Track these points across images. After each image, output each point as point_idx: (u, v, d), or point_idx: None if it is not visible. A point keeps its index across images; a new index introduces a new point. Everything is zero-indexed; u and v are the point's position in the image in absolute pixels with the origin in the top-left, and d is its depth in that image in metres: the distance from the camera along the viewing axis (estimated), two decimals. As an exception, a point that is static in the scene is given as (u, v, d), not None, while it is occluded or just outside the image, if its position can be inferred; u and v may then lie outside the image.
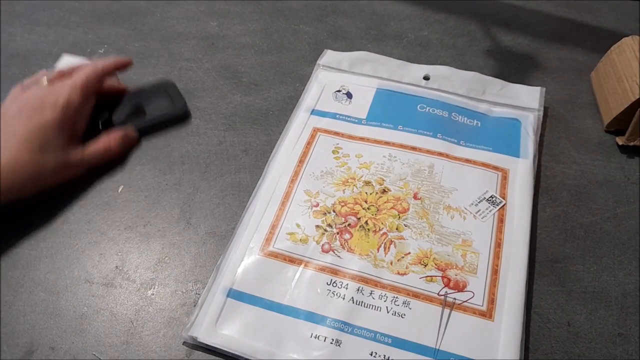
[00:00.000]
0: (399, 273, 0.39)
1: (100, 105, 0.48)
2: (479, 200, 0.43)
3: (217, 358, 0.36)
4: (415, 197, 0.43)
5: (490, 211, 0.42)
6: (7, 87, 0.54)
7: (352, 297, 0.37)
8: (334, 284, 0.38)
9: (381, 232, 0.41)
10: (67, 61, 0.54)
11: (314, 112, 0.50)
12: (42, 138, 0.41)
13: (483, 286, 0.38)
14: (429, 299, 0.37)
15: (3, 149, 0.39)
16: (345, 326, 0.36)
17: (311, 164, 0.46)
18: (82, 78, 0.45)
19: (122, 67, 0.49)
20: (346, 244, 0.40)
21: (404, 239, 0.41)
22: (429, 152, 0.46)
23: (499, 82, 0.52)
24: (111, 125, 0.48)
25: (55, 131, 0.42)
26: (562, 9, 0.63)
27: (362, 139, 0.48)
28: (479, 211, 0.42)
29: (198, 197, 0.45)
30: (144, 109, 0.50)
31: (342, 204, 0.43)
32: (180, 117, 0.50)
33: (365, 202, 0.43)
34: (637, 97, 0.45)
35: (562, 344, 0.37)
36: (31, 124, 0.41)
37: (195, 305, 0.38)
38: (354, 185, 0.44)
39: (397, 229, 0.41)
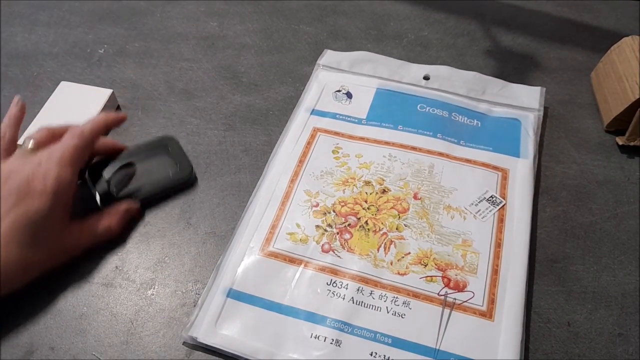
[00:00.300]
0: (399, 273, 0.39)
1: (94, 167, 0.44)
2: (479, 200, 0.43)
3: (217, 358, 0.36)
4: (415, 197, 0.43)
5: (490, 211, 0.42)
6: (7, 87, 0.54)
7: (352, 297, 0.37)
8: (334, 284, 0.38)
9: (381, 232, 0.41)
10: (65, 87, 0.51)
11: (314, 112, 0.50)
12: (31, 230, 0.35)
13: (483, 286, 0.38)
14: (429, 299, 0.37)
15: None
16: (345, 326, 0.36)
17: (311, 164, 0.46)
18: (70, 148, 0.38)
19: (115, 124, 0.44)
20: (346, 244, 0.40)
21: (404, 239, 0.41)
22: (429, 152, 0.46)
23: (499, 82, 0.52)
24: (110, 196, 0.42)
25: (46, 220, 0.36)
26: (562, 9, 0.63)
27: (362, 139, 0.48)
28: (479, 211, 0.42)
29: (198, 197, 0.45)
30: (145, 175, 0.44)
31: (342, 203, 0.43)
32: (186, 183, 0.45)
33: (365, 202, 0.43)
34: (637, 97, 0.45)
35: (562, 344, 0.37)
36: (18, 214, 0.34)
37: (195, 306, 0.38)
38: (354, 185, 0.44)
39: (397, 229, 0.41)
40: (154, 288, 0.39)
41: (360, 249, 0.40)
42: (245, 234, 0.41)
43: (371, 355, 0.35)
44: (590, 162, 0.48)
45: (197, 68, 0.56)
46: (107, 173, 0.43)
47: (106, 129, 0.42)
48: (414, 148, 0.47)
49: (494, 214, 0.42)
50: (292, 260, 0.39)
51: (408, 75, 0.53)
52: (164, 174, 0.43)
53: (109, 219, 0.40)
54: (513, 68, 0.56)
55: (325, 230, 0.41)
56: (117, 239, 0.41)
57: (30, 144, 0.38)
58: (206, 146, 0.49)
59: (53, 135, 0.39)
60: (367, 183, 0.44)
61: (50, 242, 0.36)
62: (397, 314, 0.37)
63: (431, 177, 0.44)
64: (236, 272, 0.39)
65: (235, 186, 0.46)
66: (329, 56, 0.55)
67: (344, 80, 0.53)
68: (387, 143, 0.47)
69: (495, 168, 0.45)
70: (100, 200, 0.42)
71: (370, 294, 0.38)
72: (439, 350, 0.35)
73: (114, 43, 0.59)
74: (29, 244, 0.35)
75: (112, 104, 0.51)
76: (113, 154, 0.45)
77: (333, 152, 0.47)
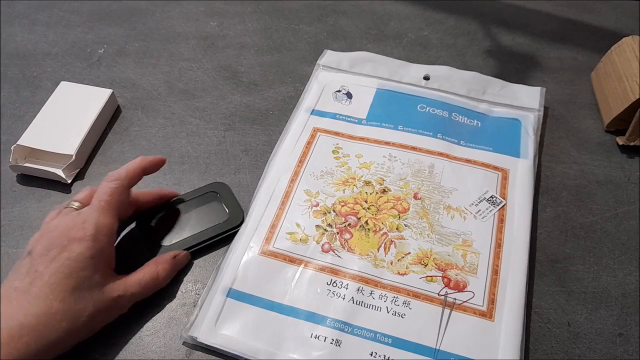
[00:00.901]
0: (399, 273, 0.39)
1: (144, 217, 0.42)
2: (479, 201, 0.43)
3: (217, 358, 0.36)
4: (415, 197, 0.43)
5: (490, 211, 0.42)
6: (6, 87, 0.54)
7: (352, 297, 0.37)
8: (334, 284, 0.38)
9: (381, 232, 0.41)
10: (65, 87, 0.51)
11: (314, 112, 0.50)
12: (73, 277, 0.33)
13: (483, 286, 0.38)
14: (429, 299, 0.37)
15: (30, 301, 0.32)
16: (345, 326, 0.36)
17: (311, 164, 0.45)
18: (106, 193, 0.37)
19: (153, 168, 0.41)
20: (346, 243, 0.40)
21: (404, 239, 0.41)
22: (429, 152, 0.46)
23: (499, 82, 0.52)
24: (159, 246, 0.41)
25: (88, 267, 0.34)
26: (562, 9, 0.63)
27: (362, 139, 0.48)
28: (479, 211, 0.42)
29: (198, 197, 0.45)
30: (196, 223, 0.42)
31: (342, 203, 0.43)
32: (237, 229, 0.42)
33: (366, 202, 0.43)
34: (637, 97, 0.45)
35: (562, 344, 0.37)
36: (59, 263, 0.33)
37: (195, 306, 0.38)
38: (354, 185, 0.44)
39: (397, 229, 0.41)
40: (153, 288, 0.39)
41: (361, 249, 0.40)
42: (245, 234, 0.41)
43: (371, 355, 0.35)
44: (590, 162, 0.48)
45: (197, 68, 0.56)
46: (157, 222, 0.42)
47: (142, 170, 0.40)
48: (414, 148, 0.46)
49: (494, 214, 0.42)
50: (292, 260, 0.39)
51: (408, 75, 0.53)
52: (215, 222, 0.42)
53: (156, 268, 0.38)
54: (513, 68, 0.56)
55: (325, 230, 0.41)
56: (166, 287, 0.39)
57: (75, 205, 0.38)
58: (206, 146, 0.49)
59: (93, 191, 0.39)
60: (367, 183, 0.44)
61: (95, 292, 0.34)
62: (397, 314, 0.37)
63: (431, 177, 0.44)
64: (236, 272, 0.39)
65: (235, 186, 0.46)
66: (329, 56, 0.55)
67: (344, 81, 0.53)
68: (387, 143, 0.47)
69: (496, 168, 0.45)
70: (149, 250, 0.40)
71: (371, 294, 0.38)
72: (439, 350, 0.35)
73: (114, 43, 0.59)
74: (72, 294, 0.33)
75: (112, 104, 0.51)
76: (164, 202, 0.43)
77: (333, 152, 0.47)
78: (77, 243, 0.34)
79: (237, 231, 0.42)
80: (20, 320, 0.31)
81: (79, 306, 0.33)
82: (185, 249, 0.40)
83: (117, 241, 0.40)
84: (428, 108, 0.50)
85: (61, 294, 0.32)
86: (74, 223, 0.35)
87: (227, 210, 0.43)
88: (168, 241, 0.41)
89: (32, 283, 0.33)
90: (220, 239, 0.42)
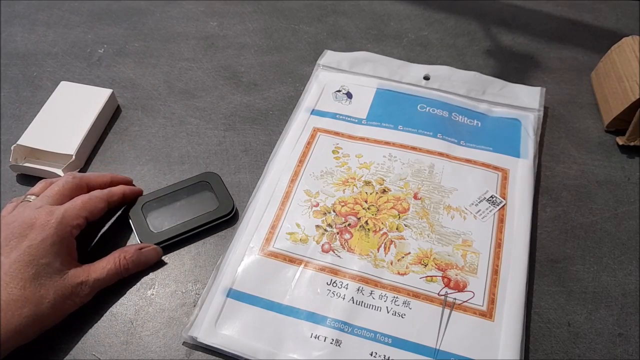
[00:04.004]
0: (399, 273, 0.39)
1: (131, 207, 0.43)
2: (479, 200, 0.43)
3: (217, 358, 0.36)
4: (415, 197, 0.43)
5: (490, 211, 0.42)
6: (7, 87, 0.54)
7: (352, 297, 0.37)
8: (334, 284, 0.38)
9: (381, 232, 0.41)
10: (65, 87, 0.50)
11: (314, 112, 0.50)
12: (33, 266, 0.33)
13: (483, 286, 0.38)
14: (429, 299, 0.37)
15: None
16: (345, 326, 0.36)
17: (311, 164, 0.45)
18: (60, 185, 0.38)
19: (129, 198, 0.42)
20: (346, 243, 0.40)
21: (404, 239, 0.41)
22: (429, 152, 0.46)
23: (499, 82, 0.52)
24: (150, 235, 0.41)
25: (49, 254, 0.34)
26: (562, 9, 0.63)
27: (362, 139, 0.48)
28: (479, 211, 0.42)
29: (198, 197, 0.45)
30: (186, 212, 0.42)
31: (342, 203, 0.43)
32: (227, 219, 0.43)
33: (366, 202, 0.43)
34: (638, 97, 0.45)
35: (562, 344, 0.37)
36: (19, 252, 0.34)
37: (195, 306, 0.38)
38: (354, 185, 0.44)
39: (397, 228, 0.41)
40: (154, 288, 0.39)
41: (360, 249, 0.40)
42: (245, 234, 0.41)
43: (371, 355, 0.35)
44: (590, 162, 0.48)
45: (197, 68, 0.56)
46: (147, 211, 0.42)
47: (111, 182, 0.42)
48: (414, 148, 0.46)
49: (494, 214, 0.42)
50: (292, 260, 0.39)
51: (408, 75, 0.53)
52: (205, 211, 0.42)
53: (120, 255, 0.38)
54: (513, 68, 0.56)
55: (325, 230, 0.41)
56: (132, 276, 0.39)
57: (32, 198, 0.38)
58: (206, 146, 0.49)
59: (51, 184, 0.40)
60: (367, 183, 0.44)
61: (55, 278, 0.34)
62: (397, 314, 0.37)
63: (431, 177, 0.44)
64: (236, 272, 0.39)
65: (235, 186, 0.46)
66: (329, 56, 0.55)
67: (344, 81, 0.53)
68: (387, 143, 0.47)
69: (496, 168, 0.45)
70: (141, 240, 0.41)
71: (371, 293, 0.38)
72: (439, 350, 0.35)
73: (114, 43, 0.59)
74: (32, 280, 0.33)
75: (112, 104, 0.51)
76: (138, 196, 0.44)
77: (333, 152, 0.47)
78: (38, 230, 0.35)
79: (227, 219, 0.42)
80: None
81: (40, 293, 0.33)
82: (173, 237, 0.41)
83: (104, 229, 0.42)
84: (428, 108, 0.50)
85: (21, 282, 0.33)
86: (35, 213, 0.36)
87: (217, 199, 0.43)
88: (157, 228, 0.41)
89: None
90: (211, 227, 0.42)
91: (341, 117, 0.50)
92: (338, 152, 0.47)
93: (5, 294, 0.32)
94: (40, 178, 0.46)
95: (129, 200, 0.43)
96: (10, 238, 0.34)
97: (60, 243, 0.35)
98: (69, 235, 0.36)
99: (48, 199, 0.38)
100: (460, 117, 0.49)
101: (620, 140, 0.48)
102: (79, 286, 0.35)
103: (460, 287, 0.38)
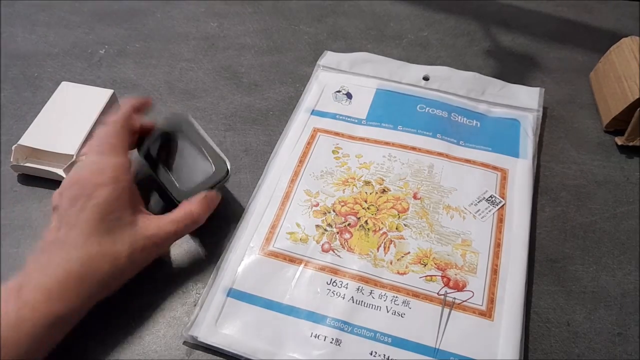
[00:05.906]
0: (398, 272, 0.39)
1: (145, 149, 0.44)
2: (478, 200, 0.43)
3: (218, 358, 0.36)
4: (415, 197, 0.43)
5: (489, 211, 0.42)
6: (7, 87, 0.54)
7: (352, 297, 0.38)
8: (334, 284, 0.38)
9: (381, 232, 0.41)
10: (66, 88, 0.50)
11: (314, 112, 0.50)
12: (105, 222, 0.35)
13: (483, 286, 0.38)
14: (428, 298, 0.38)
15: (69, 250, 0.34)
16: (345, 326, 0.36)
17: (311, 164, 0.46)
18: (104, 137, 0.39)
19: (143, 107, 0.44)
20: (346, 243, 0.40)
21: (404, 239, 0.41)
22: (428, 152, 0.46)
23: (498, 83, 0.52)
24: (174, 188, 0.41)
25: (117, 208, 0.36)
26: (562, 9, 0.63)
27: (362, 139, 0.48)
28: (478, 211, 0.42)
29: (198, 197, 0.45)
30: (186, 169, 0.42)
31: (342, 203, 0.43)
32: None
33: (365, 201, 0.43)
34: (637, 97, 0.46)
35: (562, 343, 0.37)
36: (88, 211, 0.35)
37: (195, 305, 0.38)
38: (354, 185, 0.44)
39: (396, 228, 0.41)
40: (154, 287, 0.40)
41: (360, 249, 0.40)
42: (245, 234, 0.41)
43: (371, 354, 0.35)
44: (589, 162, 0.48)
45: (197, 68, 0.56)
46: (163, 160, 0.43)
47: (134, 109, 0.42)
48: (413, 148, 0.47)
49: (493, 213, 0.42)
50: (292, 260, 0.40)
51: (408, 76, 0.53)
52: (202, 174, 0.41)
53: (190, 206, 0.39)
54: (513, 68, 0.56)
55: (325, 230, 0.41)
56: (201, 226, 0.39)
57: (84, 158, 0.39)
58: (206, 146, 0.49)
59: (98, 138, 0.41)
60: (367, 183, 0.44)
61: (129, 230, 0.36)
62: (397, 314, 0.37)
63: (431, 177, 0.45)
64: (236, 271, 0.39)
65: (235, 186, 0.46)
66: (329, 57, 0.56)
67: (344, 81, 0.53)
68: (387, 143, 0.47)
69: (495, 168, 0.45)
70: (178, 200, 0.40)
71: (370, 293, 0.38)
72: (438, 349, 0.35)
73: (115, 43, 0.59)
74: (106, 235, 0.35)
75: (112, 104, 0.51)
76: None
77: (333, 152, 0.47)
78: (101, 188, 0.36)
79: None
80: (65, 267, 0.33)
81: (116, 247, 0.35)
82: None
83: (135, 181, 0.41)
84: (428, 108, 0.50)
85: (97, 239, 0.34)
86: (91, 171, 0.37)
87: (211, 163, 0.41)
88: (186, 187, 0.41)
89: (67, 234, 0.34)
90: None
91: (341, 117, 0.50)
92: (338, 152, 0.47)
93: (85, 252, 0.34)
94: (41, 178, 0.46)
95: (142, 112, 0.43)
96: (77, 199, 0.35)
97: (125, 195, 0.37)
98: (129, 183, 0.38)
99: (99, 150, 0.38)
100: (460, 117, 0.50)
101: (619, 141, 0.48)
102: (152, 238, 0.36)
103: (459, 287, 0.38)
